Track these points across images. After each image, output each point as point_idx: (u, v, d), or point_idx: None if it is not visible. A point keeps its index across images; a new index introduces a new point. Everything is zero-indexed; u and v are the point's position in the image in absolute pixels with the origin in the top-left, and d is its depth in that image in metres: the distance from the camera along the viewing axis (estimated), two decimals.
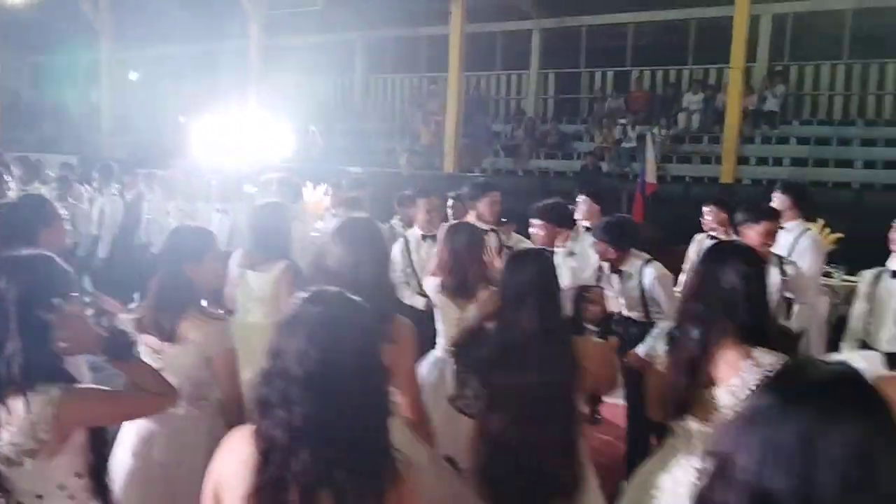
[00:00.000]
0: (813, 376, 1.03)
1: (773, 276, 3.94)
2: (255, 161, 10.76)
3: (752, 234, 4.04)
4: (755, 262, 2.33)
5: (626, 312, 4.22)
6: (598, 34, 15.47)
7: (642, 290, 4.08)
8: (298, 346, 1.49)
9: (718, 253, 2.38)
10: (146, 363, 2.12)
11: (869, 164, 11.89)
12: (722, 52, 11.85)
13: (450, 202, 5.83)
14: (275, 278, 3.75)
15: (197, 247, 2.75)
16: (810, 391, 1.00)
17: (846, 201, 10.01)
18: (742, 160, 12.72)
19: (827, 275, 6.06)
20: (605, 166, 13.30)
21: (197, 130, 11.63)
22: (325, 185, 7.93)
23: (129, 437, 2.61)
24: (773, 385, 1.06)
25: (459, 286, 3.46)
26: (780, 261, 4.23)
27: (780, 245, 4.94)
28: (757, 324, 2.20)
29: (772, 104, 13.24)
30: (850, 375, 1.02)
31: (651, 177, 10.35)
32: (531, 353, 2.37)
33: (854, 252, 5.79)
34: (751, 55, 13.93)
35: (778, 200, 4.96)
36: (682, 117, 13.94)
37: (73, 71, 22.27)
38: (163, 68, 20.51)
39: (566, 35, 15.69)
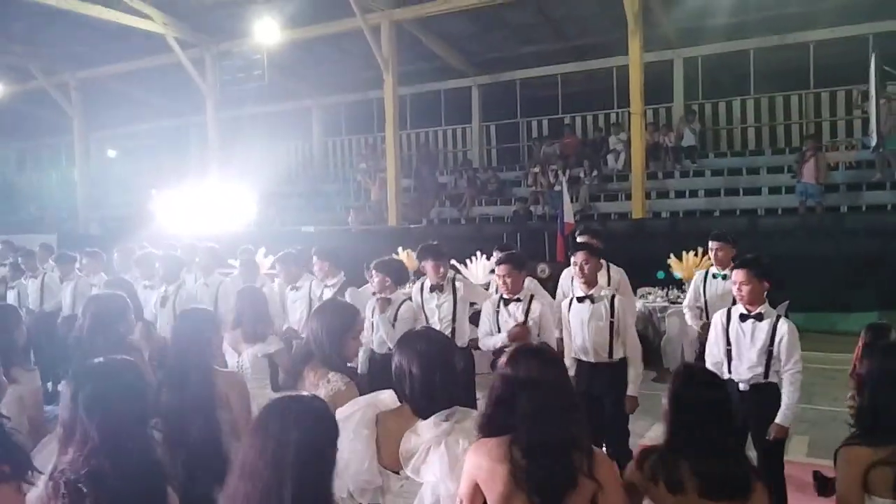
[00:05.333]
0: None
1: None
2: (219, 229, 11.77)
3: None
4: None
5: None
6: (530, 86, 16.72)
7: None
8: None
9: None
10: None
11: (774, 190, 12.85)
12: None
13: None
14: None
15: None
16: None
17: (741, 227, 10.85)
18: (661, 194, 13.75)
19: None
20: (539, 210, 14.31)
21: (164, 202, 12.70)
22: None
23: None
24: None
25: None
26: None
27: None
28: None
29: (689, 139, 14.32)
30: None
31: (569, 217, 11.37)
32: None
33: None
34: (668, 96, 15.13)
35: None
36: (610, 158, 15.02)
37: (55, 154, 23.65)
38: (138, 145, 21.81)
39: (502, 89, 16.92)
